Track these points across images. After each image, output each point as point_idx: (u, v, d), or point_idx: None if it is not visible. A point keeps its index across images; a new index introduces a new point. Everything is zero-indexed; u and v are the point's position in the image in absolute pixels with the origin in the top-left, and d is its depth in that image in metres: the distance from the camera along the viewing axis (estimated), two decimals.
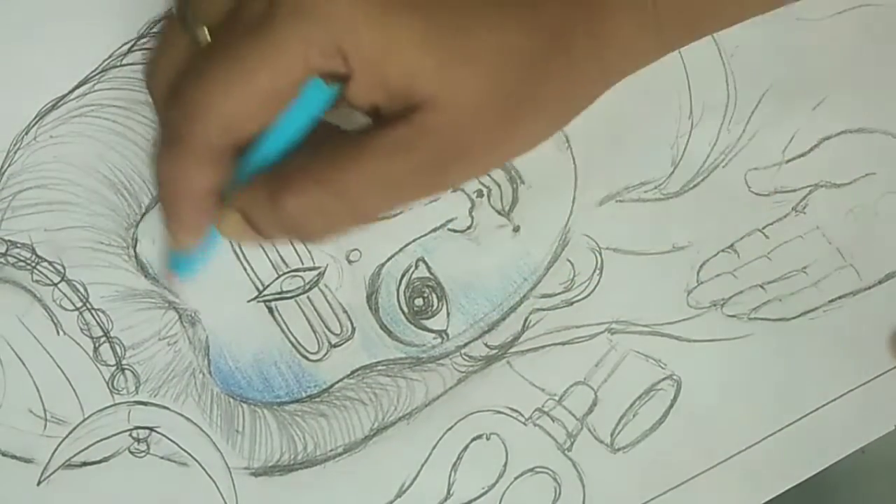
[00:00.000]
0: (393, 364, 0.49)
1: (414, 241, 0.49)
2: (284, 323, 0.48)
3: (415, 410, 0.49)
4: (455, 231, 0.49)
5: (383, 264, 0.49)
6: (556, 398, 0.49)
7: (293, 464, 0.48)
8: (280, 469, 0.48)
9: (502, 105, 0.40)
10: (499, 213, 0.50)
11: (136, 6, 0.47)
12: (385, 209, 0.41)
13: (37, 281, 0.46)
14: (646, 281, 0.50)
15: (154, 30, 0.47)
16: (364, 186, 0.39)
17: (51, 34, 0.47)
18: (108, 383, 0.47)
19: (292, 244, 0.48)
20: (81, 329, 0.47)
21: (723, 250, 0.51)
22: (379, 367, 0.48)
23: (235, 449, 0.47)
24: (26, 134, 0.47)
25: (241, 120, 0.39)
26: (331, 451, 0.48)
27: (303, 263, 0.48)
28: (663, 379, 0.50)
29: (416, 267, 0.49)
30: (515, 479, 0.49)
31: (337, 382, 0.48)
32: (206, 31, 0.39)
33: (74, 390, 0.46)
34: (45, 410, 0.46)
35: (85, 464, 0.46)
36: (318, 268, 0.48)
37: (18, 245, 0.47)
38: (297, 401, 0.48)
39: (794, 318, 0.51)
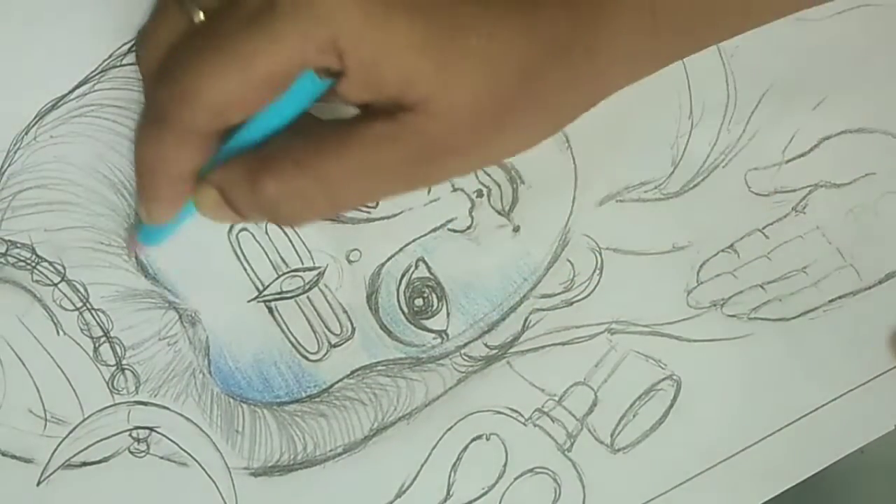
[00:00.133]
0: (393, 364, 0.49)
1: (414, 241, 0.49)
2: (284, 323, 0.48)
3: (415, 410, 0.49)
4: (455, 231, 0.49)
5: (383, 264, 0.49)
6: (556, 398, 0.49)
7: (293, 464, 0.48)
8: (280, 469, 0.48)
9: (495, 110, 0.39)
10: (499, 213, 0.50)
11: (136, 6, 0.47)
12: (363, 199, 0.41)
13: (37, 281, 0.46)
14: (646, 281, 0.50)
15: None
16: (344, 174, 0.39)
17: (51, 34, 0.47)
18: (108, 383, 0.47)
19: (291, 243, 0.48)
20: (81, 329, 0.47)
21: (723, 250, 0.51)
22: (379, 368, 0.48)
23: (235, 449, 0.47)
24: (26, 134, 0.47)
25: (230, 107, 0.39)
26: (331, 451, 0.48)
27: (303, 263, 0.48)
28: (663, 379, 0.50)
29: (416, 267, 0.49)
30: (515, 479, 0.49)
31: (337, 382, 0.48)
32: (200, 11, 0.39)
33: (74, 390, 0.46)
34: (45, 410, 0.46)
35: (85, 464, 0.46)
36: (318, 268, 0.48)
37: (18, 245, 0.46)
38: (297, 401, 0.48)
39: (794, 318, 0.51)
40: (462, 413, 0.49)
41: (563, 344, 0.50)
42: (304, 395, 0.48)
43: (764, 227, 0.51)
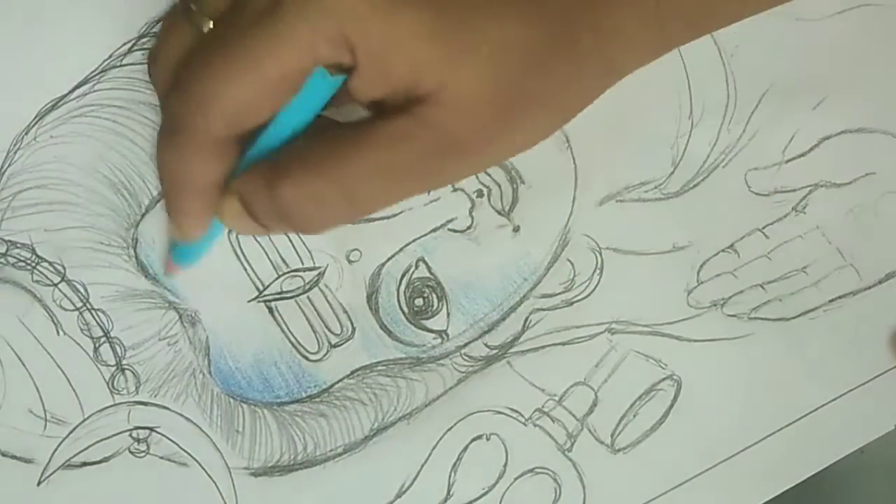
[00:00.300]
0: (393, 364, 0.49)
1: (414, 241, 0.49)
2: (284, 323, 0.48)
3: (415, 411, 0.49)
4: (455, 231, 0.49)
5: (383, 264, 0.49)
6: (557, 398, 0.49)
7: (293, 464, 0.48)
8: (280, 469, 0.48)
9: (506, 99, 0.39)
10: (499, 213, 0.50)
11: (136, 6, 0.47)
12: (383, 202, 0.41)
13: (37, 281, 0.46)
14: (646, 281, 0.50)
15: (154, 30, 0.47)
16: (361, 175, 0.39)
17: (51, 34, 0.47)
18: (108, 383, 0.47)
19: (292, 243, 0.48)
20: (81, 329, 0.47)
21: (723, 250, 0.51)
22: (379, 368, 0.48)
23: (235, 449, 0.47)
24: (26, 134, 0.47)
25: (246, 111, 0.38)
26: (331, 451, 0.48)
27: (303, 263, 0.48)
28: (663, 379, 0.50)
29: (417, 267, 0.49)
30: (515, 479, 0.49)
31: (337, 382, 0.48)
32: (209, 20, 0.39)
33: (74, 390, 0.46)
34: (45, 410, 0.46)
35: (85, 464, 0.46)
36: (319, 268, 0.48)
37: (18, 245, 0.46)
38: (297, 401, 0.48)
39: (794, 317, 0.51)
40: (462, 413, 0.49)
41: (564, 344, 0.50)
42: (304, 395, 0.48)
43: (764, 227, 0.51)
